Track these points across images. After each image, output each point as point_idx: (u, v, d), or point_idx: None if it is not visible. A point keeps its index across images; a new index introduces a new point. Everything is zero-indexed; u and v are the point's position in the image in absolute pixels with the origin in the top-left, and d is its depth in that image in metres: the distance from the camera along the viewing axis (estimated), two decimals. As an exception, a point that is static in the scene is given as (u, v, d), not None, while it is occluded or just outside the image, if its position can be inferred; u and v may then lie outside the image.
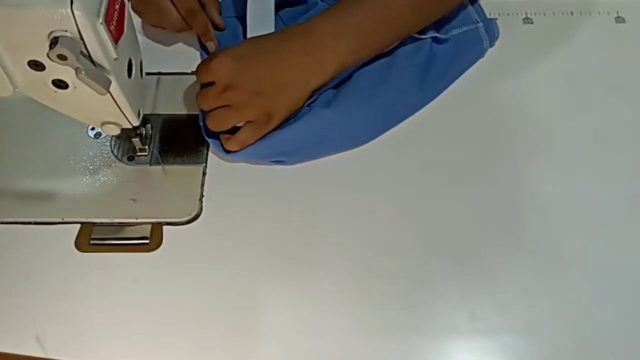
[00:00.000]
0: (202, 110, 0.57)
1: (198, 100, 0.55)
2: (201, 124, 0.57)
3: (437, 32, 0.62)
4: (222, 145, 0.55)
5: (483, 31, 0.64)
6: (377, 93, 0.58)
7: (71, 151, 0.57)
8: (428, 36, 0.61)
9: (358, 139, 0.58)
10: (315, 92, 0.57)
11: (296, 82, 0.54)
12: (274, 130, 0.55)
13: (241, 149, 0.55)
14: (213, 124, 0.54)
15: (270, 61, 0.53)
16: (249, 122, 0.54)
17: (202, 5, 0.62)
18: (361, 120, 0.57)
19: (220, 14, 0.64)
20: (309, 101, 0.57)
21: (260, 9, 0.62)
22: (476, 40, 0.64)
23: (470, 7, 0.65)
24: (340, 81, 0.59)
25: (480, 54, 0.64)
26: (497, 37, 0.64)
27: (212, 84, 0.53)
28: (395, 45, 0.60)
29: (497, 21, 0.64)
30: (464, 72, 0.63)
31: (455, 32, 0.63)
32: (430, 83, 0.60)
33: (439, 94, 0.61)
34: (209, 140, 0.56)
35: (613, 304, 0.49)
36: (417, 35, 0.60)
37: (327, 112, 0.56)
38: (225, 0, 0.65)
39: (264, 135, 0.55)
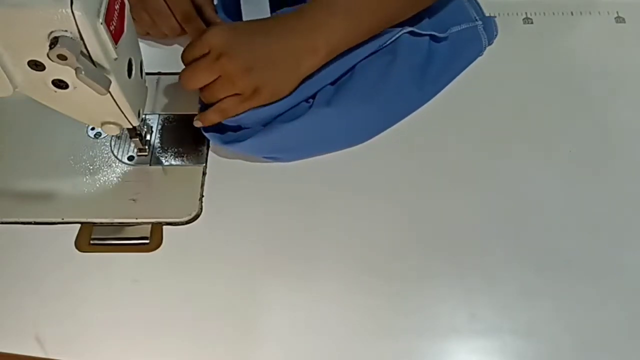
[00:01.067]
0: (201, 104, 0.57)
1: (186, 75, 0.53)
2: (204, 132, 0.56)
3: (436, 30, 0.62)
4: (219, 137, 0.55)
5: (482, 29, 0.64)
6: (377, 92, 0.58)
7: (71, 151, 0.57)
8: (426, 34, 0.61)
9: (357, 137, 0.58)
10: (308, 81, 0.56)
11: (287, 63, 0.54)
12: (273, 127, 0.55)
13: (219, 119, 0.55)
14: (206, 95, 0.54)
15: (264, 39, 0.53)
16: (234, 96, 0.54)
17: (198, 9, 0.62)
18: (361, 118, 0.57)
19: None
20: (309, 98, 0.57)
21: (255, 10, 0.62)
22: (475, 38, 0.64)
23: (468, 6, 0.66)
24: (340, 79, 0.59)
25: (479, 52, 0.64)
26: (496, 35, 0.65)
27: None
28: (392, 40, 0.60)
29: (496, 19, 0.65)
30: (463, 70, 0.63)
31: (454, 30, 0.63)
32: (430, 82, 0.61)
33: (438, 92, 0.61)
34: (207, 134, 0.56)
35: (613, 304, 0.49)
36: (417, 30, 0.60)
37: (328, 111, 0.56)
38: (218, 6, 0.65)
39: (264, 130, 0.55)
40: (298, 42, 0.54)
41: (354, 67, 0.59)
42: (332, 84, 0.59)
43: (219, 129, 0.56)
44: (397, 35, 0.60)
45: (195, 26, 0.62)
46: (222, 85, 0.53)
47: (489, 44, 0.64)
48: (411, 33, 0.60)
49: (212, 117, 0.55)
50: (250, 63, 0.52)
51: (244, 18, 0.61)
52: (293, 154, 0.57)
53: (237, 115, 0.55)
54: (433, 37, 0.62)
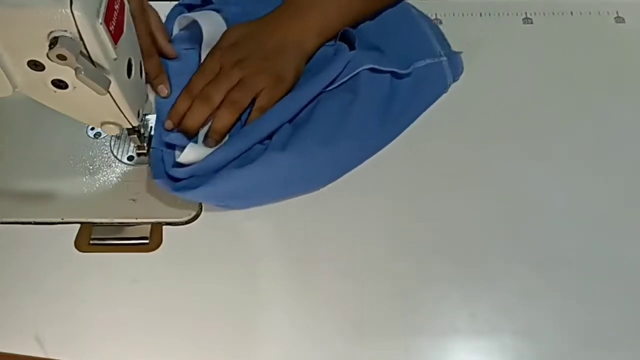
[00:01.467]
0: (157, 147, 0.55)
1: (206, 91, 0.56)
2: (150, 166, 0.54)
3: (398, 66, 0.59)
4: (170, 184, 0.52)
5: (446, 65, 0.61)
6: (337, 134, 0.54)
7: (71, 151, 0.57)
8: (388, 70, 0.58)
9: (316, 182, 0.54)
10: (263, 120, 0.54)
11: (293, 46, 0.58)
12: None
13: (261, 115, 0.55)
14: (236, 96, 0.56)
15: (265, 31, 0.59)
16: (263, 90, 0.56)
17: (152, 37, 0.58)
18: (319, 163, 0.54)
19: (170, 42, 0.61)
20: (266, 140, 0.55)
21: (215, 33, 0.60)
22: (439, 75, 0.61)
23: (433, 40, 0.63)
24: (297, 116, 0.56)
25: (444, 89, 0.61)
26: (462, 72, 0.62)
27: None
28: (351, 76, 0.57)
29: (462, 55, 0.62)
30: (426, 108, 0.60)
31: (418, 65, 0.60)
32: (392, 121, 0.58)
33: (401, 132, 0.58)
34: (157, 181, 0.52)
35: (613, 304, 0.49)
36: (377, 67, 0.57)
37: (283, 155, 0.52)
38: (180, 34, 0.62)
39: (216, 177, 0.52)
40: (293, 26, 0.59)
41: (313, 105, 0.57)
42: (290, 122, 0.56)
43: (169, 177, 0.53)
44: (356, 71, 0.57)
45: (155, 62, 0.58)
46: (245, 85, 0.56)
47: (454, 81, 0.62)
48: (372, 70, 0.58)
49: (254, 117, 0.56)
50: (264, 54, 0.57)
51: (204, 44, 0.60)
52: (246, 201, 0.53)
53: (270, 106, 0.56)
54: (395, 74, 0.59)
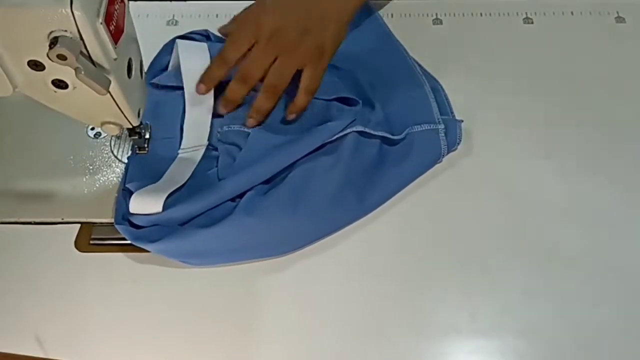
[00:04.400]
0: (120, 205, 0.52)
1: (244, 69, 0.53)
2: (115, 224, 0.51)
3: (392, 128, 0.55)
4: (130, 232, 0.50)
5: (443, 134, 0.55)
6: (306, 201, 0.51)
7: (71, 151, 0.57)
8: (378, 135, 0.54)
9: (283, 248, 0.51)
10: (240, 176, 0.51)
11: (334, 15, 0.54)
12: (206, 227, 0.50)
13: (310, 98, 0.54)
14: (274, 79, 0.53)
15: (303, 3, 0.54)
16: (305, 67, 0.54)
17: None
18: (286, 230, 0.51)
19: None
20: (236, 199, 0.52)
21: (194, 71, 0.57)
22: (433, 143, 0.55)
23: (433, 104, 0.57)
24: (279, 175, 0.53)
25: (436, 160, 0.56)
26: (459, 143, 0.56)
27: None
28: (337, 137, 0.54)
29: (462, 124, 0.57)
30: (414, 179, 0.55)
31: (412, 130, 0.55)
32: (372, 191, 0.53)
33: (382, 203, 0.54)
34: (119, 227, 0.50)
35: (613, 304, 0.49)
36: (367, 130, 0.54)
37: (248, 220, 0.50)
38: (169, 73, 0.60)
39: (176, 233, 0.49)
40: None
41: (294, 164, 0.53)
42: (268, 182, 0.53)
43: (132, 224, 0.51)
44: (344, 133, 0.53)
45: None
46: (286, 64, 0.53)
47: (450, 151, 0.56)
48: (361, 133, 0.54)
49: (302, 100, 0.54)
50: (304, 27, 0.53)
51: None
52: (207, 260, 0.50)
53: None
54: (385, 140, 0.55)
